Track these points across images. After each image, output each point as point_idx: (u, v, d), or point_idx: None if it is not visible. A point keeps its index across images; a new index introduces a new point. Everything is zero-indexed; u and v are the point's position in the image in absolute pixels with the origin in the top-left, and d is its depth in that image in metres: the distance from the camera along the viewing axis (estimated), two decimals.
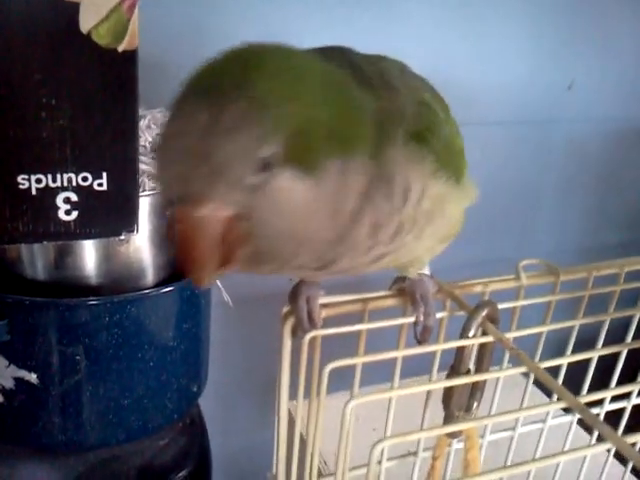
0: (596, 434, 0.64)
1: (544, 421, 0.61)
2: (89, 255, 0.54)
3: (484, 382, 0.50)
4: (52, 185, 0.48)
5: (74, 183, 0.48)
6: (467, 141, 0.45)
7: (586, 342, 0.56)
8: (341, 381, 0.50)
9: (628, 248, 1.14)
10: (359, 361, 0.48)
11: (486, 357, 0.49)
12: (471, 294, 0.52)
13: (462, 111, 0.46)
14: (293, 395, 0.50)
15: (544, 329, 0.52)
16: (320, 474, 0.61)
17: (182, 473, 0.63)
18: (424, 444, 0.58)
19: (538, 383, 0.62)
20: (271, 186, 0.32)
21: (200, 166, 0.30)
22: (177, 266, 0.47)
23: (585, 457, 0.61)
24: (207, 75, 0.32)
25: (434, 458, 0.55)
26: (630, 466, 0.65)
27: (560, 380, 0.54)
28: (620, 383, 0.51)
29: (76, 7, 0.44)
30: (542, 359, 0.48)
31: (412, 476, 0.59)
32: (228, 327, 0.83)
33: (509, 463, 0.60)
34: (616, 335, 0.56)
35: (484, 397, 0.51)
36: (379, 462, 0.55)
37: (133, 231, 0.51)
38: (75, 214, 0.49)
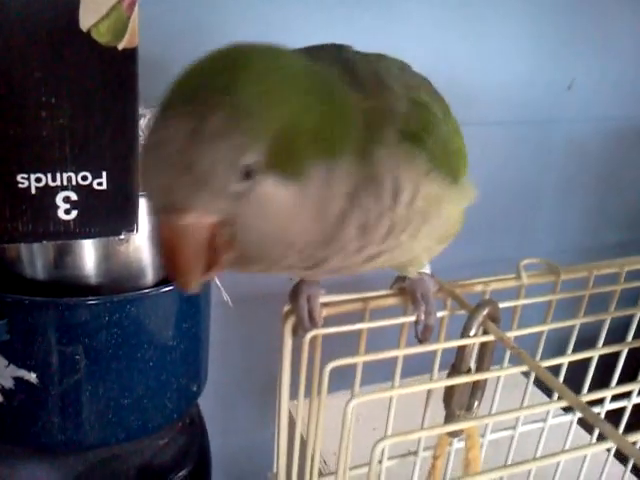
0: (596, 433, 0.64)
1: (544, 420, 0.61)
2: (89, 254, 0.54)
3: (485, 381, 0.50)
4: (52, 184, 0.48)
5: (74, 182, 0.48)
6: (467, 141, 0.45)
7: (587, 341, 0.56)
8: (342, 380, 0.50)
9: (628, 248, 1.14)
10: (360, 360, 0.48)
11: (487, 356, 0.49)
12: (472, 293, 0.52)
13: (462, 111, 0.46)
14: (293, 394, 0.50)
15: (545, 328, 0.52)
16: (321, 473, 0.61)
17: (182, 473, 0.63)
18: (425, 443, 0.58)
19: (538, 383, 0.62)
20: (255, 193, 0.31)
21: (183, 175, 0.30)
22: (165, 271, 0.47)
23: (585, 456, 0.61)
24: (192, 77, 0.32)
25: (435, 457, 0.55)
26: (630, 465, 0.65)
27: (561, 379, 0.54)
28: (620, 382, 0.51)
29: (76, 5, 0.44)
30: (543, 358, 0.48)
31: (413, 475, 0.59)
32: (228, 327, 0.83)
33: (510, 462, 0.60)
34: (616, 334, 0.56)
35: (485, 396, 0.51)
36: (380, 461, 0.55)
37: (133, 230, 0.51)
38: (75, 213, 0.49)
